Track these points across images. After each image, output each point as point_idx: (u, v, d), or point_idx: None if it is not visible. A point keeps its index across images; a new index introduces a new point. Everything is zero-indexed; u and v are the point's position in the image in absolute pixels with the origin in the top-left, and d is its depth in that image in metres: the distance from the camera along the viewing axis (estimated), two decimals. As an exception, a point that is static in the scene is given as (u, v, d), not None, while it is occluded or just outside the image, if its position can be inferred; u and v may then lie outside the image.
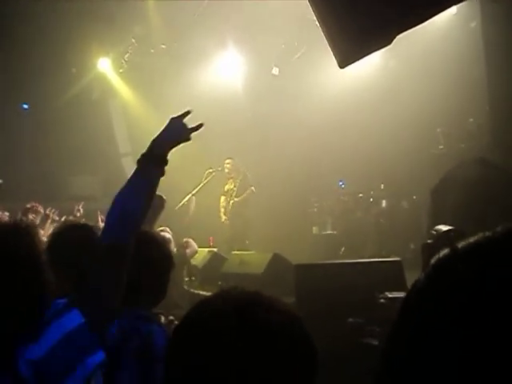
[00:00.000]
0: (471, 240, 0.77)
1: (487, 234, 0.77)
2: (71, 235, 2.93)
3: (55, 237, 2.95)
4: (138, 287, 2.53)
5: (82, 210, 7.02)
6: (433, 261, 0.78)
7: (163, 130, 2.26)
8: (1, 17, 10.55)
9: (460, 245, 0.78)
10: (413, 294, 0.79)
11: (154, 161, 2.16)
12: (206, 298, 1.26)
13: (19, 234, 1.84)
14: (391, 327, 0.79)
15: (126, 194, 2.08)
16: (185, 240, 7.69)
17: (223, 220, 11.29)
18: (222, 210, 11.38)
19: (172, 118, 2.29)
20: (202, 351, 1.15)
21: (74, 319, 1.79)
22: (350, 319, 5.04)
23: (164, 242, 2.92)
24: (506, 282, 0.70)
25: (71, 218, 6.30)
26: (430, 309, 0.74)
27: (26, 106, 13.34)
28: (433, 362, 0.72)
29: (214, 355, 1.14)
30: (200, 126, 2.32)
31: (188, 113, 2.32)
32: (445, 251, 0.79)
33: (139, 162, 2.15)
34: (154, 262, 2.65)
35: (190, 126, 2.28)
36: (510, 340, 0.67)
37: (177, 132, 2.27)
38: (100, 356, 1.80)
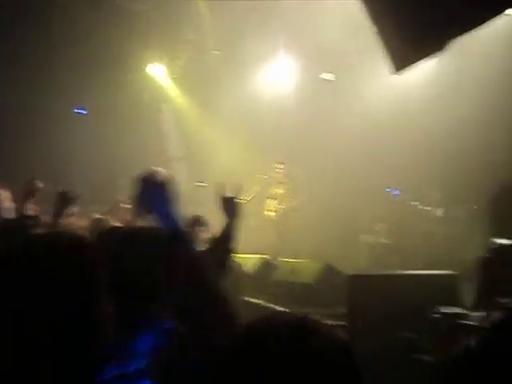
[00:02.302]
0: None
1: None
2: None
3: None
4: None
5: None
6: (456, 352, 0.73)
7: None
8: (58, 26, 10.81)
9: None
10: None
11: None
12: (252, 324, 1.24)
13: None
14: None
15: None
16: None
17: (271, 219, 11.32)
18: (272, 212, 11.40)
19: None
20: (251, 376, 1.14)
21: None
22: (403, 333, 4.90)
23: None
24: None
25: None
26: None
27: (82, 111, 13.59)
28: None
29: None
30: None
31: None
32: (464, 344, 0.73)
33: None
34: None
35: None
36: None
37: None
38: None
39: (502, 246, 3.97)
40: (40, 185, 4.84)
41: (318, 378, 1.13)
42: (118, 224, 5.92)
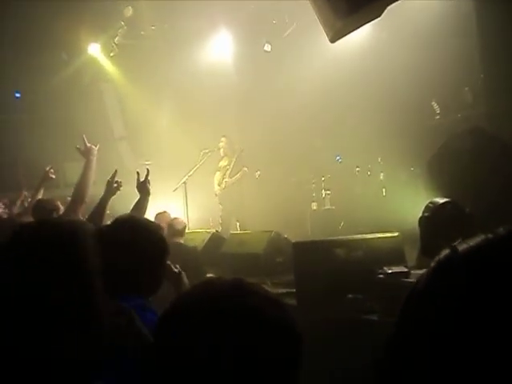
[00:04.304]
0: (472, 242, 0.77)
1: (489, 236, 0.77)
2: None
3: None
4: (132, 276, 2.53)
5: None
6: (433, 263, 0.79)
7: None
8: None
9: (460, 247, 0.78)
10: (413, 295, 0.79)
11: None
12: (190, 289, 1.27)
13: None
14: (394, 325, 0.79)
15: None
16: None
17: (217, 193, 11.33)
18: (217, 185, 11.40)
19: None
20: (186, 339, 1.15)
21: None
22: (350, 295, 5.03)
23: (156, 228, 2.86)
24: (503, 287, 0.70)
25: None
26: (429, 311, 0.74)
27: (18, 95, 13.25)
28: (431, 356, 0.73)
29: (197, 345, 1.14)
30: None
31: None
32: (445, 253, 0.78)
33: None
34: (144, 249, 2.62)
35: None
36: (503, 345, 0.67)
37: None
38: None
39: (436, 204, 4.11)
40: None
41: (257, 334, 1.15)
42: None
